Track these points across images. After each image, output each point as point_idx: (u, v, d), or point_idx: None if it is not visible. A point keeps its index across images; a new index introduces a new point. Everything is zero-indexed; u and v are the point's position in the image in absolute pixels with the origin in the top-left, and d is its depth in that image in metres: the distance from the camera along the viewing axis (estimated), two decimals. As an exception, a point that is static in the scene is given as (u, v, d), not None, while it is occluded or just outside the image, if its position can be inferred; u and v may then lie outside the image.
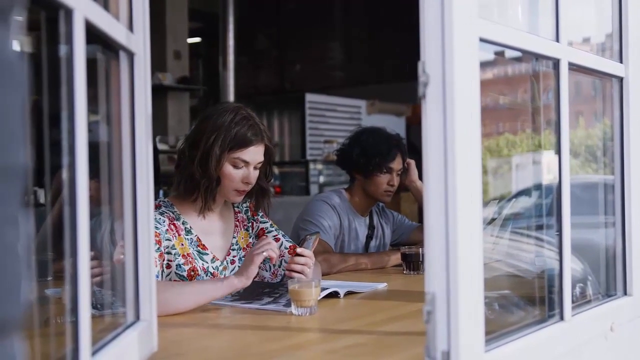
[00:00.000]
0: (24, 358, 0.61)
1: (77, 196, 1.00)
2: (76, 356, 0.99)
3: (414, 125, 8.27)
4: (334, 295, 2.10)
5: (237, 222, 2.37)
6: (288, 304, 1.90)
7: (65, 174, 1.00)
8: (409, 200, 6.73)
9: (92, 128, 1.09)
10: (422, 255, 2.64)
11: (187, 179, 2.19)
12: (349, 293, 2.17)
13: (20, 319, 0.58)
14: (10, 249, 0.56)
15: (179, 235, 2.18)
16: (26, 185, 0.60)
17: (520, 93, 2.10)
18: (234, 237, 2.34)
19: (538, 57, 1.55)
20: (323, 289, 2.02)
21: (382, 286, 2.33)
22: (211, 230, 2.28)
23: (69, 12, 0.99)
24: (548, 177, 1.94)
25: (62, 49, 1.01)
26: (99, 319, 1.35)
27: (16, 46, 0.59)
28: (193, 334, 1.73)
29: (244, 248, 2.35)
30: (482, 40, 1.25)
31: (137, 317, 1.36)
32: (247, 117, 2.20)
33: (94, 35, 1.11)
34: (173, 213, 2.20)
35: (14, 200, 0.57)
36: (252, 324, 1.78)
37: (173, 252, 2.13)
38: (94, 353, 1.07)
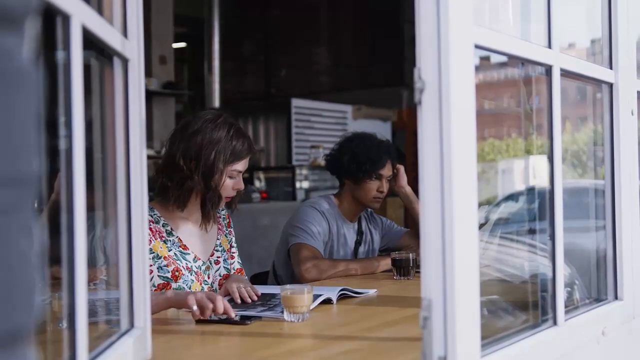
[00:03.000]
0: None
1: (74, 202, 0.99)
2: (74, 364, 0.99)
3: (400, 130, 8.29)
4: (326, 301, 2.10)
5: (220, 226, 2.44)
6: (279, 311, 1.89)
7: (62, 180, 1.00)
8: (394, 205, 6.74)
9: (85, 134, 1.08)
10: (412, 260, 2.64)
11: (187, 192, 2.24)
12: (342, 296, 2.17)
13: (33, 327, 0.58)
14: (24, 258, 0.56)
15: (156, 239, 2.22)
16: (36, 194, 0.60)
17: (506, 98, 2.12)
18: (218, 239, 2.40)
19: (531, 63, 1.56)
20: (316, 296, 2.02)
21: (372, 292, 2.33)
22: (194, 232, 2.33)
23: (66, 18, 0.99)
24: (535, 182, 1.95)
25: (59, 55, 1.01)
26: (93, 326, 1.34)
27: (30, 54, 0.58)
28: (186, 342, 1.73)
29: (227, 250, 2.42)
30: (477, 46, 1.25)
31: (132, 325, 1.35)
32: (240, 130, 2.30)
33: (88, 41, 1.10)
34: (152, 216, 2.23)
35: (27, 209, 0.57)
36: (245, 330, 1.78)
37: (151, 255, 2.15)
38: (90, 361, 1.07)
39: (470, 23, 1.21)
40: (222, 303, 1.82)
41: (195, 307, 1.80)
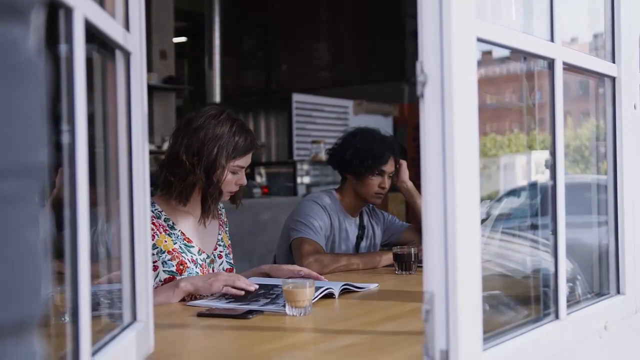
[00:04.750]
0: (44, 356, 0.61)
1: (77, 197, 0.99)
2: (77, 357, 0.99)
3: (401, 125, 8.28)
4: (328, 295, 2.10)
5: (221, 222, 2.47)
6: (281, 304, 1.89)
7: (65, 175, 1.00)
8: (395, 201, 6.75)
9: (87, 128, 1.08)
10: (414, 255, 2.64)
11: (189, 187, 2.25)
12: (344, 291, 2.18)
13: (40, 317, 0.59)
14: (31, 248, 0.56)
15: (161, 233, 2.23)
16: (44, 185, 0.60)
17: (508, 93, 2.11)
18: (219, 234, 2.43)
19: (533, 56, 1.56)
20: (317, 289, 2.02)
21: (374, 286, 2.34)
22: (196, 227, 2.35)
23: (68, 11, 0.99)
24: (537, 177, 1.95)
25: (62, 48, 1.01)
26: (95, 320, 1.34)
27: (35, 45, 0.58)
28: (189, 335, 1.73)
29: (227, 246, 2.46)
30: (479, 40, 1.25)
31: (134, 318, 1.35)
32: (243, 126, 2.31)
33: (91, 34, 1.10)
34: (153, 212, 2.24)
35: (33, 200, 0.57)
36: (247, 324, 1.78)
37: (155, 250, 2.16)
38: (93, 354, 1.07)
39: (472, 16, 1.21)
40: (243, 282, 2.09)
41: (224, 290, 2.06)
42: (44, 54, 0.60)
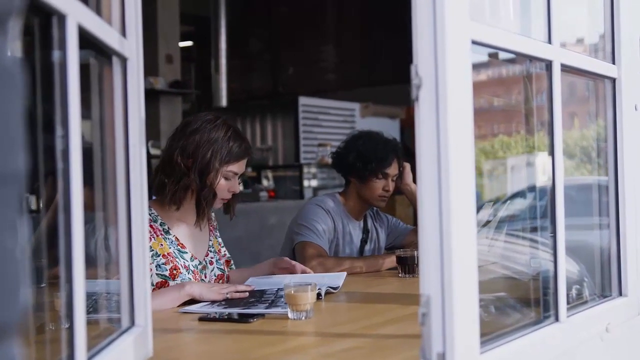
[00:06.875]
0: None
1: (71, 202, 1.00)
2: (71, 362, 0.99)
3: (408, 127, 8.27)
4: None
5: (211, 228, 2.49)
6: (286, 306, 1.89)
7: (59, 180, 1.00)
8: (403, 204, 6.73)
9: (84, 133, 1.08)
10: (417, 258, 2.64)
11: (183, 189, 2.27)
12: (327, 293, 2.21)
13: (19, 323, 0.59)
14: (10, 254, 0.57)
15: (157, 236, 2.25)
16: (23, 191, 0.61)
17: (515, 95, 2.11)
18: (210, 240, 2.45)
19: (530, 58, 1.56)
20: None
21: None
22: (189, 233, 2.36)
23: (62, 18, 0.99)
24: (543, 179, 1.95)
25: (55, 54, 1.01)
26: (93, 325, 1.34)
27: (14, 52, 0.59)
28: (188, 340, 1.73)
29: (217, 252, 2.47)
30: (474, 42, 1.25)
31: (132, 323, 1.36)
32: (238, 132, 2.34)
33: (86, 40, 1.11)
34: (150, 215, 2.25)
35: (13, 206, 0.58)
36: (247, 328, 1.78)
37: (150, 253, 2.17)
38: (89, 358, 1.07)
39: (466, 18, 1.21)
40: (242, 287, 2.17)
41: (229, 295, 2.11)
42: (22, 61, 0.61)
